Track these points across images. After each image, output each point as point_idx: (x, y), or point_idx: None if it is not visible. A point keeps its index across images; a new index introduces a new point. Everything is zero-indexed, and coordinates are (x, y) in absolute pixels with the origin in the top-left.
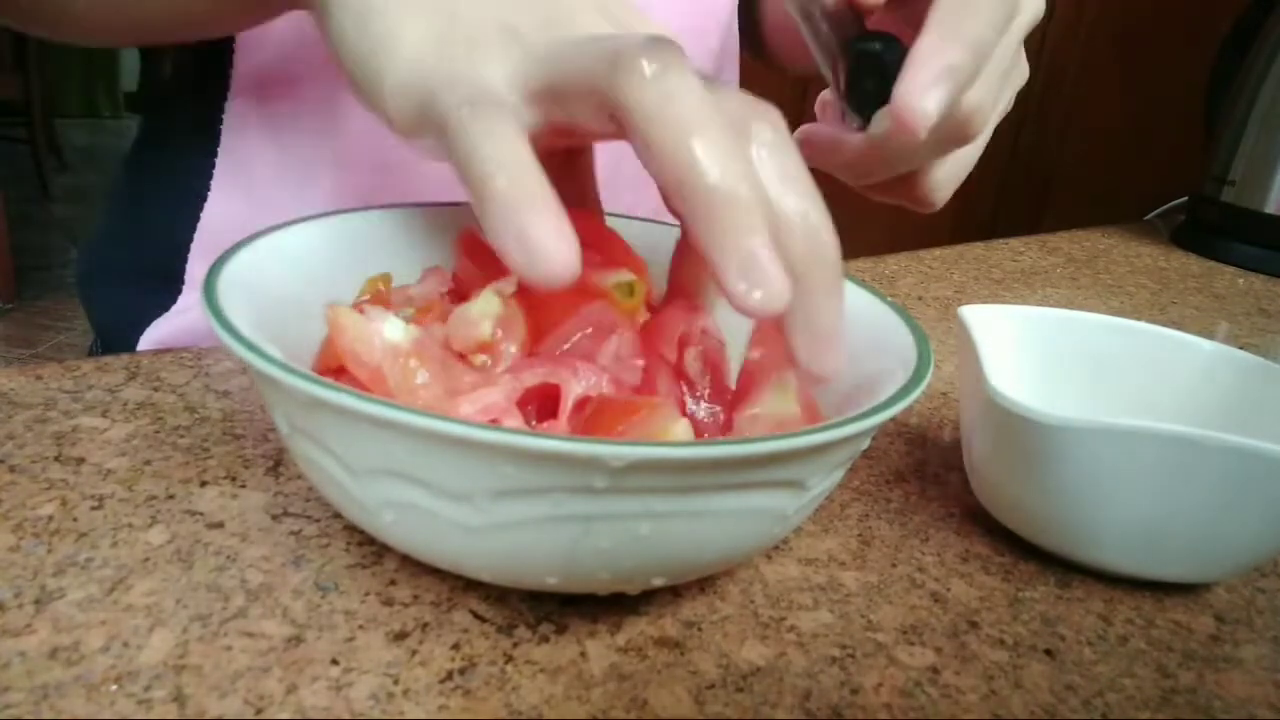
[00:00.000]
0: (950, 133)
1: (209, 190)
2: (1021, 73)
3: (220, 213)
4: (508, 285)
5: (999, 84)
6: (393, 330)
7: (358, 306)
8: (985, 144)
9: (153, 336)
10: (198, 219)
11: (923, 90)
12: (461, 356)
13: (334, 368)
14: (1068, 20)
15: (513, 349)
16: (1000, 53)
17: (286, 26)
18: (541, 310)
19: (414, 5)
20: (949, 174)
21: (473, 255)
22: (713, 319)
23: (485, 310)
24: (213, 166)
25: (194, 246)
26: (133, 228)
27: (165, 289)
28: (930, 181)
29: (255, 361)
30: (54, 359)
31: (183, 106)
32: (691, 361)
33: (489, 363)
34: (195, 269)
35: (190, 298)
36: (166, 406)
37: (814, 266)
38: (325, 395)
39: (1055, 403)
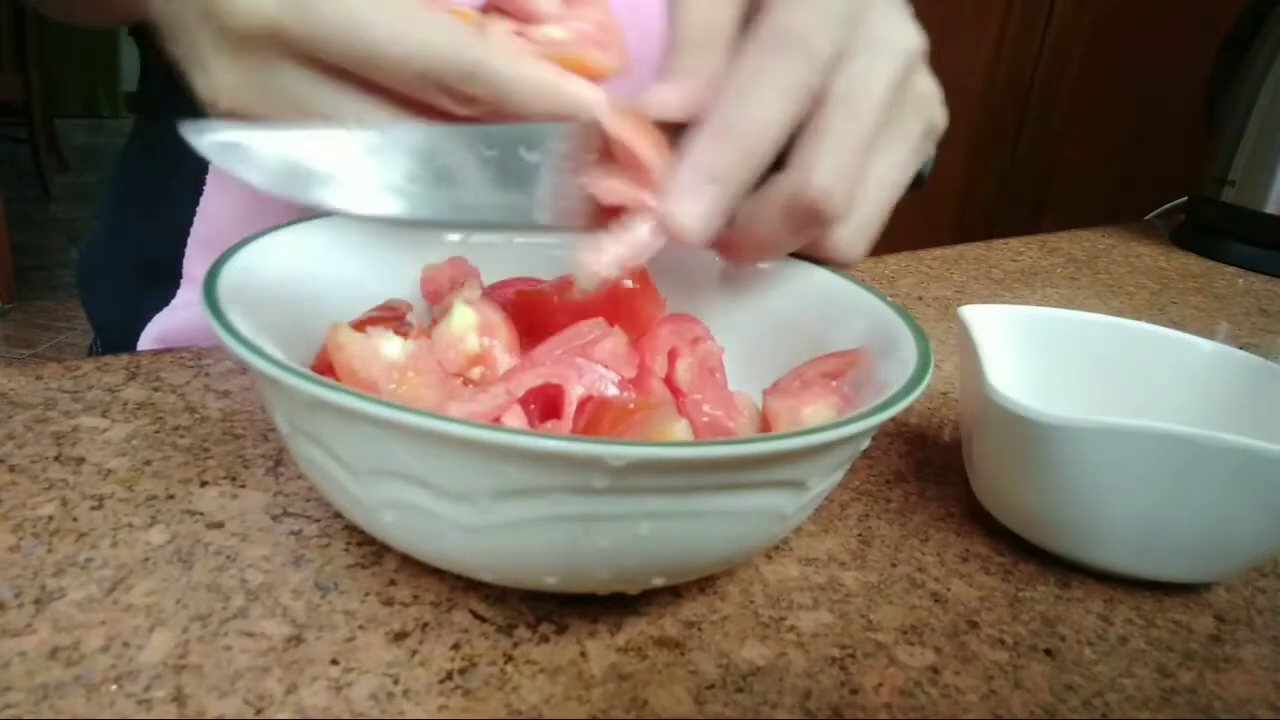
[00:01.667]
0: (802, 219)
1: (205, 187)
2: (919, 115)
3: (217, 210)
4: (472, 291)
5: (860, 152)
6: (390, 348)
7: (358, 326)
8: (891, 199)
9: (152, 333)
10: (194, 214)
11: (677, 204)
12: (458, 374)
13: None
14: (1068, 20)
15: (505, 354)
16: (851, 121)
17: None
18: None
19: None
20: (852, 236)
21: (434, 299)
22: (705, 326)
23: (464, 323)
24: (209, 163)
25: (191, 243)
26: (130, 226)
27: (163, 286)
28: (831, 247)
29: (255, 362)
30: (54, 359)
31: (180, 104)
32: (683, 373)
33: (486, 373)
34: (193, 265)
35: (189, 293)
36: (166, 406)
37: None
38: (326, 395)
39: (1055, 403)
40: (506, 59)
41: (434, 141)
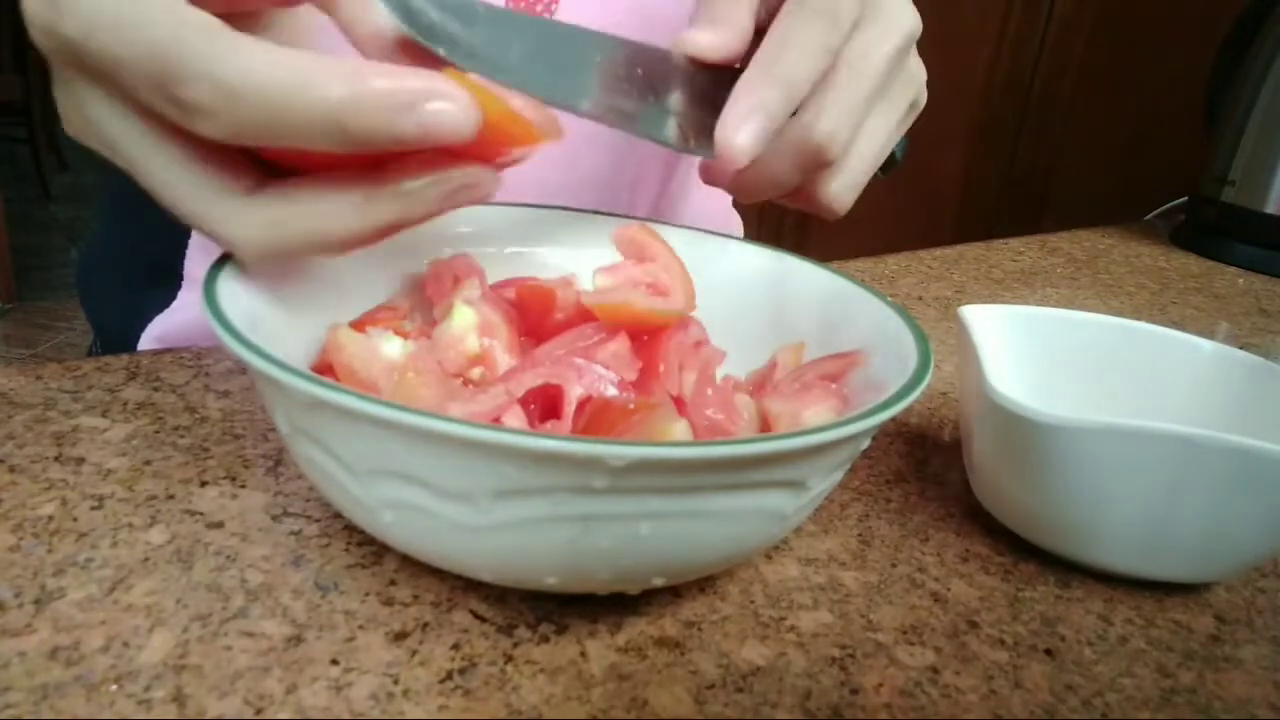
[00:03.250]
0: (808, 158)
1: None
2: (908, 89)
3: None
4: (472, 291)
5: (862, 107)
6: (390, 348)
7: (358, 325)
8: (879, 156)
9: (153, 334)
10: None
11: (734, 127)
12: (458, 374)
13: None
14: (1068, 20)
15: (505, 354)
16: (857, 79)
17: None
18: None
19: None
20: (841, 188)
21: (435, 298)
22: (702, 327)
23: (464, 323)
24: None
25: (191, 243)
26: (129, 226)
27: (163, 287)
28: (823, 196)
29: (256, 362)
30: (54, 359)
31: None
32: (688, 384)
33: (485, 374)
34: (193, 266)
35: (189, 295)
36: (166, 406)
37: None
38: (326, 395)
39: (1055, 403)
40: (236, 48)
41: (551, 37)
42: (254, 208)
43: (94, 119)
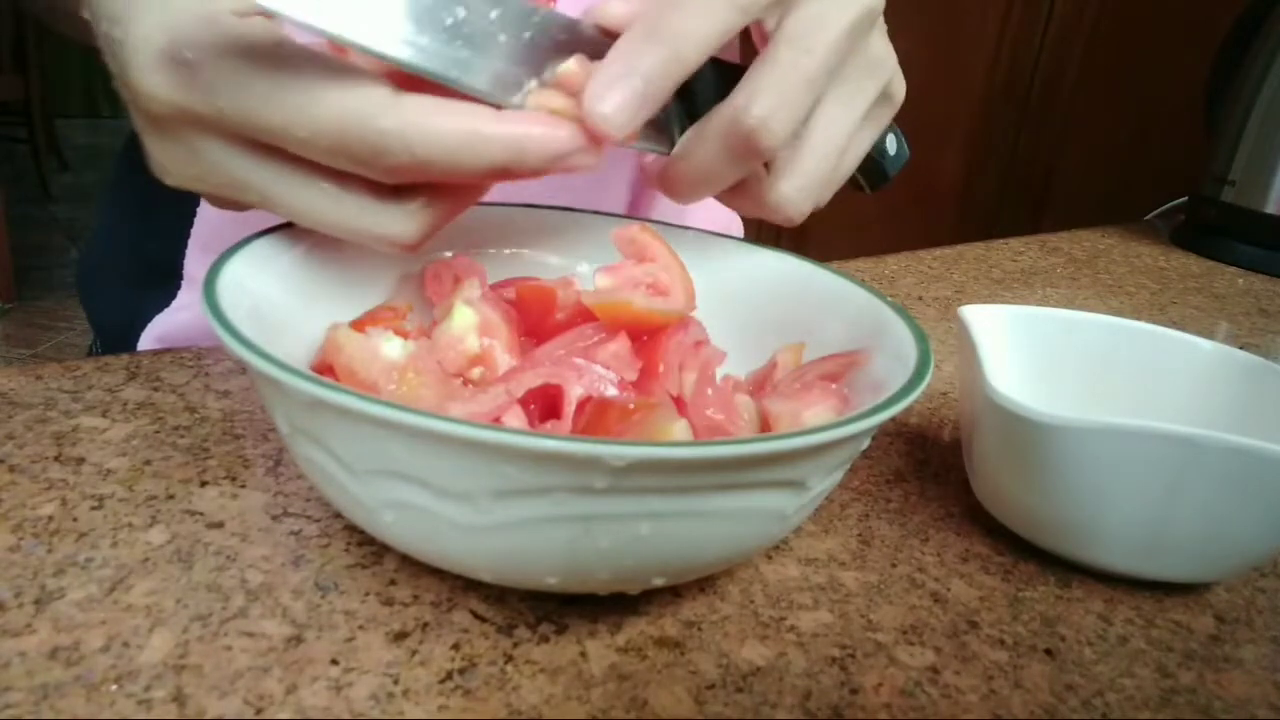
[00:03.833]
0: (740, 147)
1: None
2: (874, 75)
3: (217, 211)
4: (472, 291)
5: (804, 91)
6: (390, 348)
7: (358, 325)
8: (843, 154)
9: (153, 334)
10: (194, 215)
11: (597, 95)
12: (458, 374)
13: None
14: (1068, 20)
15: (505, 354)
16: (800, 57)
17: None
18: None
19: None
20: (794, 189)
21: (435, 299)
22: (702, 327)
23: (464, 324)
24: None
25: (191, 243)
26: (129, 226)
27: (163, 286)
28: (772, 198)
29: (256, 362)
30: (54, 359)
31: None
32: (688, 384)
33: (485, 374)
34: (193, 266)
35: (189, 295)
36: (166, 406)
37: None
38: (326, 395)
39: (1055, 403)
40: (419, 123)
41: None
42: (408, 210)
43: (219, 166)
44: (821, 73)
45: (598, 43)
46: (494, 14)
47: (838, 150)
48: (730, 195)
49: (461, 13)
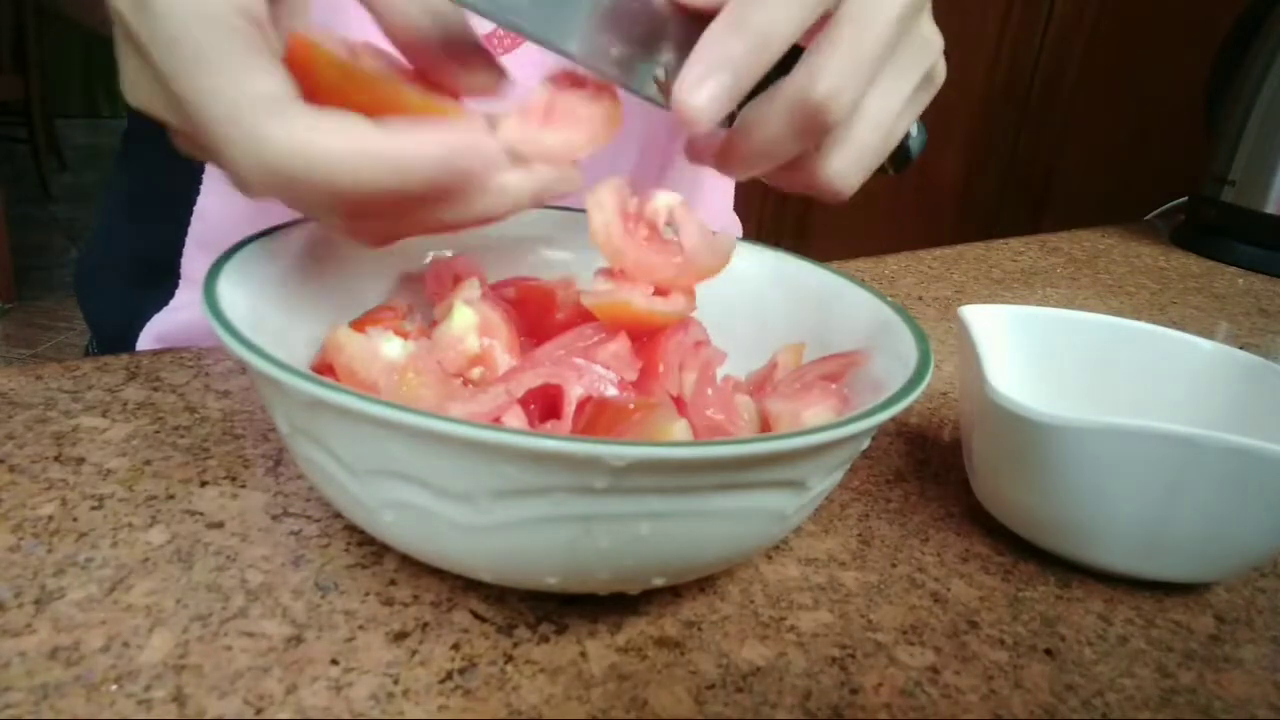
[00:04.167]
0: (807, 120)
1: (203, 187)
2: (922, 57)
3: (214, 208)
4: (472, 291)
5: (867, 68)
6: (390, 348)
7: (358, 325)
8: (891, 131)
9: (151, 333)
10: (191, 214)
11: (691, 86)
12: (458, 374)
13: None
14: (1068, 20)
15: (505, 354)
16: (862, 33)
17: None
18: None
19: None
20: (846, 165)
21: (436, 297)
22: (702, 328)
23: (464, 324)
24: (205, 164)
25: (189, 242)
26: (129, 226)
27: (163, 286)
28: (825, 173)
29: (255, 362)
30: (54, 359)
31: None
32: (688, 384)
33: (485, 374)
34: (191, 265)
35: (187, 294)
36: (166, 406)
37: None
38: (326, 395)
39: (1055, 403)
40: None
41: None
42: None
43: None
44: (878, 54)
45: (666, 18)
46: None
47: (890, 127)
48: (782, 172)
49: None
